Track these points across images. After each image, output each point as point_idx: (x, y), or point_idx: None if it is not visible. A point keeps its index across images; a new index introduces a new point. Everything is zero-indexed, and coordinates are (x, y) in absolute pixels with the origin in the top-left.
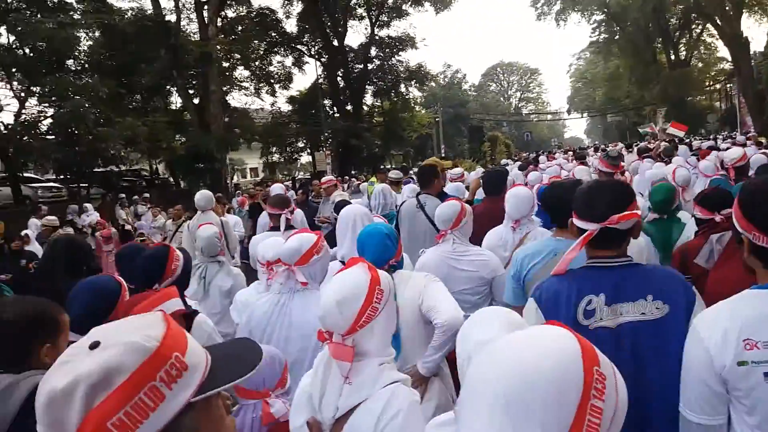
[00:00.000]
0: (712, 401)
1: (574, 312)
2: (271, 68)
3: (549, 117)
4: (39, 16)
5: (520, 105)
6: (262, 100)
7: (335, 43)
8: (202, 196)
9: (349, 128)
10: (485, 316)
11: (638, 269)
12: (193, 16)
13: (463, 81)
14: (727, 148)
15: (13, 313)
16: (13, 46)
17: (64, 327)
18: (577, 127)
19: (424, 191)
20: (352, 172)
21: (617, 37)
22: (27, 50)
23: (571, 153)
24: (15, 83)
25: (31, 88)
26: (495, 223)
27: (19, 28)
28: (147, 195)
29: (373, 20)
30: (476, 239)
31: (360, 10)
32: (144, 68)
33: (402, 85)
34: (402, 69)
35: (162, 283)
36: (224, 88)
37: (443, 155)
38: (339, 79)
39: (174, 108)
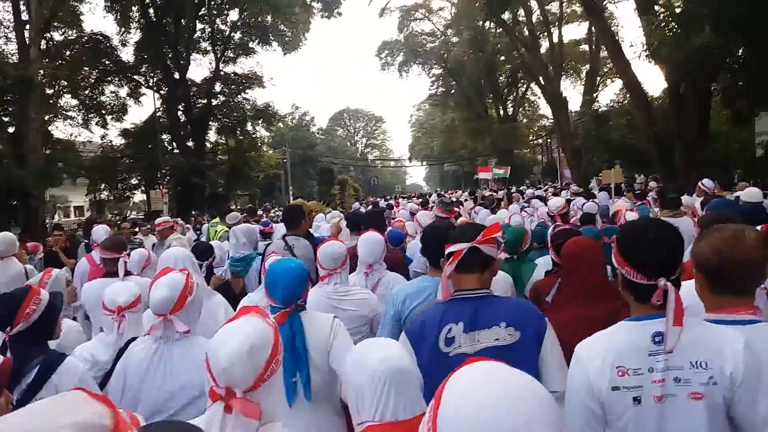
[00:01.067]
0: (591, 423)
1: (436, 340)
2: (103, 98)
3: (392, 163)
4: None
5: (366, 150)
6: (91, 131)
7: (176, 75)
8: (2, 240)
9: (190, 165)
10: (376, 341)
11: (494, 299)
12: (13, 35)
13: (312, 123)
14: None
15: None
16: None
17: None
18: (417, 174)
19: (291, 232)
20: (193, 212)
21: (453, 91)
22: None
23: (417, 199)
24: None
25: None
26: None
27: None
28: None
29: (219, 55)
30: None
31: (204, 44)
32: None
33: (249, 124)
34: (249, 107)
35: (13, 329)
36: (47, 117)
37: (291, 196)
38: (180, 113)
39: None
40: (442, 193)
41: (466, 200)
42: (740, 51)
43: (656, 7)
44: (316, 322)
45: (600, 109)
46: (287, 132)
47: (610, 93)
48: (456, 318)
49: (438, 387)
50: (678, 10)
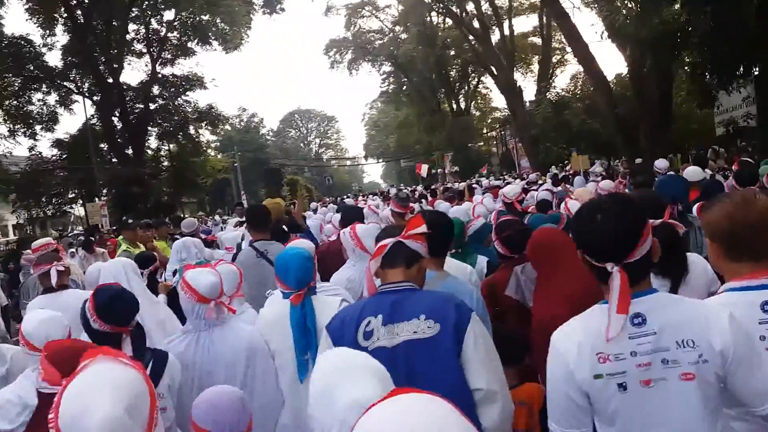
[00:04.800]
0: (576, 414)
1: (355, 334)
2: (31, 107)
3: (348, 163)
4: None
5: (320, 151)
6: (18, 143)
7: (110, 80)
8: None
9: (130, 174)
10: (348, 370)
11: (415, 292)
12: None
13: (261, 125)
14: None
15: None
16: None
17: None
18: (374, 171)
19: (259, 237)
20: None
21: (405, 87)
22: None
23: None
24: None
25: None
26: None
27: None
28: None
29: (155, 57)
30: (326, 277)
31: (139, 46)
32: None
33: (191, 127)
34: (190, 110)
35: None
36: None
37: (244, 201)
38: (116, 120)
39: None
40: (401, 188)
41: (422, 196)
42: (707, 26)
43: None
44: (326, 305)
45: (558, 95)
46: (235, 135)
47: (564, 80)
48: (375, 311)
49: None
50: None
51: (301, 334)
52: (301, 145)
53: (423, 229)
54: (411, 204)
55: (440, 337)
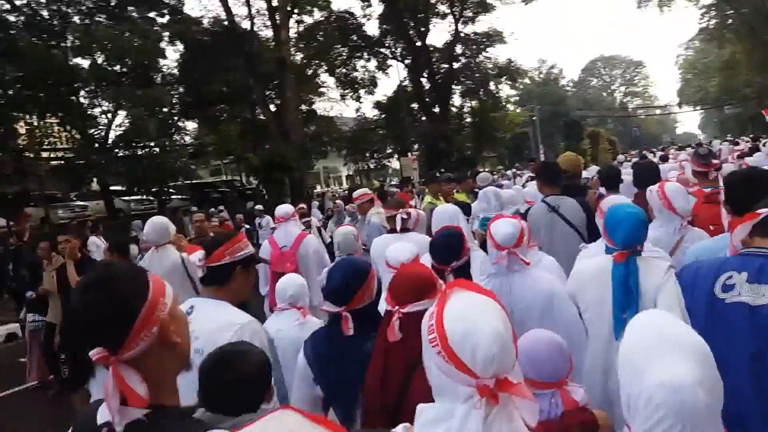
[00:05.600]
0: None
1: (712, 285)
2: (356, 73)
3: (658, 112)
4: (128, 34)
5: (625, 100)
6: (347, 105)
7: (418, 43)
8: (153, 228)
9: (436, 131)
10: (662, 346)
11: None
12: (269, 22)
13: (561, 77)
14: None
15: (254, 365)
16: (103, 65)
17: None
18: (690, 121)
19: (550, 192)
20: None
21: (730, 21)
22: (117, 67)
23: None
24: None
25: (122, 102)
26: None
27: (108, 46)
28: (221, 208)
29: (457, 17)
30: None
31: (442, 7)
32: (221, 78)
33: (491, 83)
34: (490, 66)
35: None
36: (309, 97)
37: (542, 155)
38: (424, 80)
39: (250, 117)
40: (700, 142)
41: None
42: None
43: None
44: (652, 267)
45: None
46: (534, 88)
47: None
48: (740, 268)
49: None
50: None
51: (622, 293)
52: (604, 94)
53: None
54: (714, 161)
55: None
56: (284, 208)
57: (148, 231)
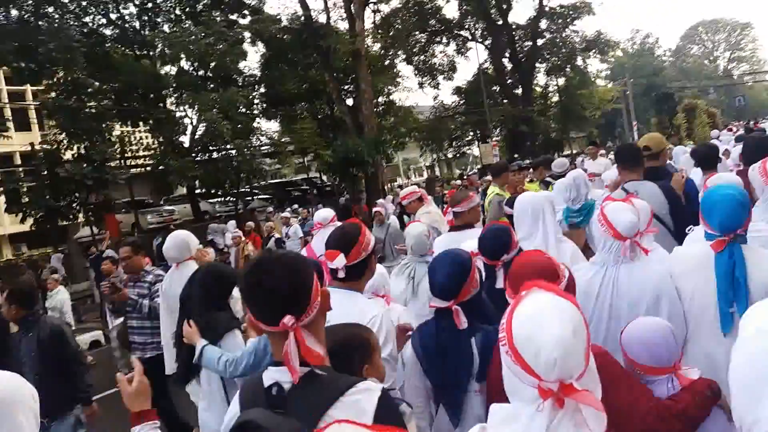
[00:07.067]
0: None
1: None
2: (434, 60)
3: None
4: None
5: (729, 67)
6: (425, 93)
7: (499, 22)
8: (173, 243)
9: (518, 114)
10: None
11: None
12: (345, 15)
13: (656, 46)
14: None
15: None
16: (191, 70)
17: (376, 347)
18: None
19: (628, 177)
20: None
21: None
22: (201, 72)
23: None
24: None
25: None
26: None
27: (193, 50)
28: (296, 206)
29: None
30: None
31: None
32: (299, 75)
33: (579, 58)
34: (578, 40)
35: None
36: (387, 88)
37: (636, 132)
38: (506, 61)
39: (327, 113)
40: None
41: None
42: None
43: None
44: (761, 256)
45: None
46: (627, 60)
47: None
48: None
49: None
50: None
51: (728, 285)
52: (706, 62)
53: None
54: None
55: None
56: (323, 213)
57: (168, 247)
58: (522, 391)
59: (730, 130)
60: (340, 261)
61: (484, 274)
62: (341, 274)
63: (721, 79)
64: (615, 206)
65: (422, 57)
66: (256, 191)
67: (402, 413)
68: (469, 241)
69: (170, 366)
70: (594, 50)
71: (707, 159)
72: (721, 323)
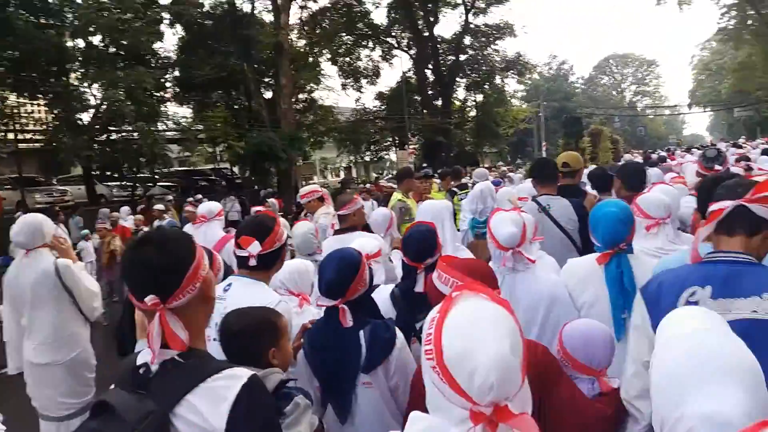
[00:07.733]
0: None
1: (675, 301)
2: (359, 63)
3: (667, 112)
4: (127, 15)
5: (634, 99)
6: (347, 95)
7: (426, 33)
8: (23, 228)
9: (436, 124)
10: (706, 369)
11: (756, 267)
12: (271, 7)
13: (570, 73)
14: None
15: (245, 323)
16: (102, 45)
17: (285, 331)
18: (698, 123)
19: (543, 191)
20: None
21: (750, 22)
22: (114, 48)
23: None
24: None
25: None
26: None
27: (104, 24)
28: (199, 196)
29: (468, 7)
30: None
31: None
32: (217, 62)
33: (498, 77)
34: (498, 59)
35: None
36: (309, 86)
37: (544, 152)
38: (429, 72)
39: (243, 104)
40: (708, 144)
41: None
42: None
43: None
44: (643, 264)
45: None
46: (542, 84)
47: None
48: (703, 281)
49: None
50: None
51: (618, 293)
52: (614, 93)
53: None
54: (718, 167)
55: None
56: (208, 206)
57: (16, 231)
58: (448, 410)
59: (634, 156)
60: (254, 248)
61: (401, 274)
62: (253, 262)
63: (626, 109)
64: (499, 217)
65: (347, 59)
66: (158, 177)
67: (296, 404)
68: (361, 239)
69: (14, 365)
70: (513, 71)
71: (600, 181)
72: (615, 331)
